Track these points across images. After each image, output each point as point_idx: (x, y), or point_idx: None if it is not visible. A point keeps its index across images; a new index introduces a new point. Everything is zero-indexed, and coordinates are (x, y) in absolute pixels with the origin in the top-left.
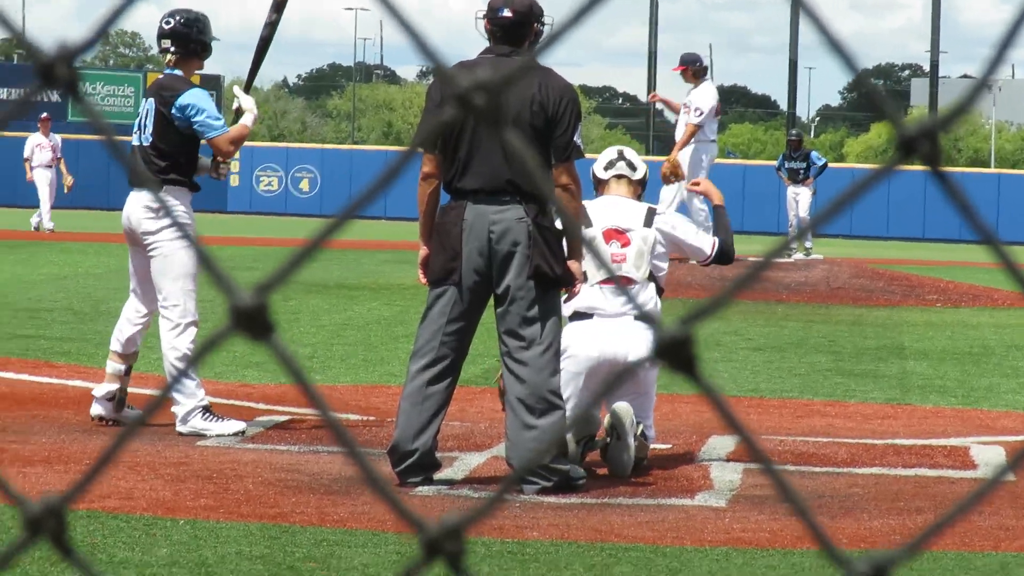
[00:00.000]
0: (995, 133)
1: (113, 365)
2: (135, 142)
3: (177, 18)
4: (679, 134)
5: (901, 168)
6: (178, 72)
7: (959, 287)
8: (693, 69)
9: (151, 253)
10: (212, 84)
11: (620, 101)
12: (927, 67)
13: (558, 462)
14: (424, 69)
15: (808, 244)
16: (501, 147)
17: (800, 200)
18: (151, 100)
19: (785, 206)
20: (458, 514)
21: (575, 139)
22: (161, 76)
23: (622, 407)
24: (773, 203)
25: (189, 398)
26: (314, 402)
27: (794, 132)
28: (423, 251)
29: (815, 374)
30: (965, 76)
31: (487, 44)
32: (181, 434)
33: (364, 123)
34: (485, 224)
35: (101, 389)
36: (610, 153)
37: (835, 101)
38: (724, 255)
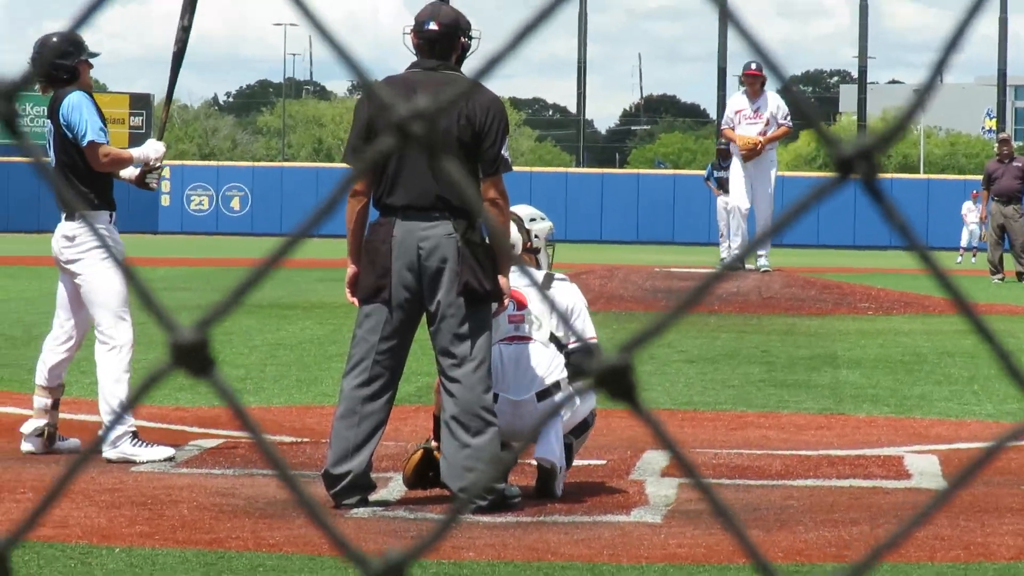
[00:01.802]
0: (924, 139)
1: (39, 400)
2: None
3: (34, 49)
4: (753, 134)
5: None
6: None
7: (891, 294)
8: (763, 79)
9: (77, 281)
10: (142, 103)
11: (550, 112)
12: (855, 73)
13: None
14: (354, 84)
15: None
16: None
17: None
18: (49, 121)
19: (715, 216)
20: (400, 549)
21: (503, 152)
22: None
23: (543, 460)
24: (703, 213)
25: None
26: (251, 434)
27: (723, 141)
28: (351, 269)
29: (748, 385)
30: (894, 81)
31: (415, 59)
32: (109, 460)
33: (294, 139)
34: (414, 241)
35: (29, 426)
36: (514, 234)
37: None
38: (590, 353)
